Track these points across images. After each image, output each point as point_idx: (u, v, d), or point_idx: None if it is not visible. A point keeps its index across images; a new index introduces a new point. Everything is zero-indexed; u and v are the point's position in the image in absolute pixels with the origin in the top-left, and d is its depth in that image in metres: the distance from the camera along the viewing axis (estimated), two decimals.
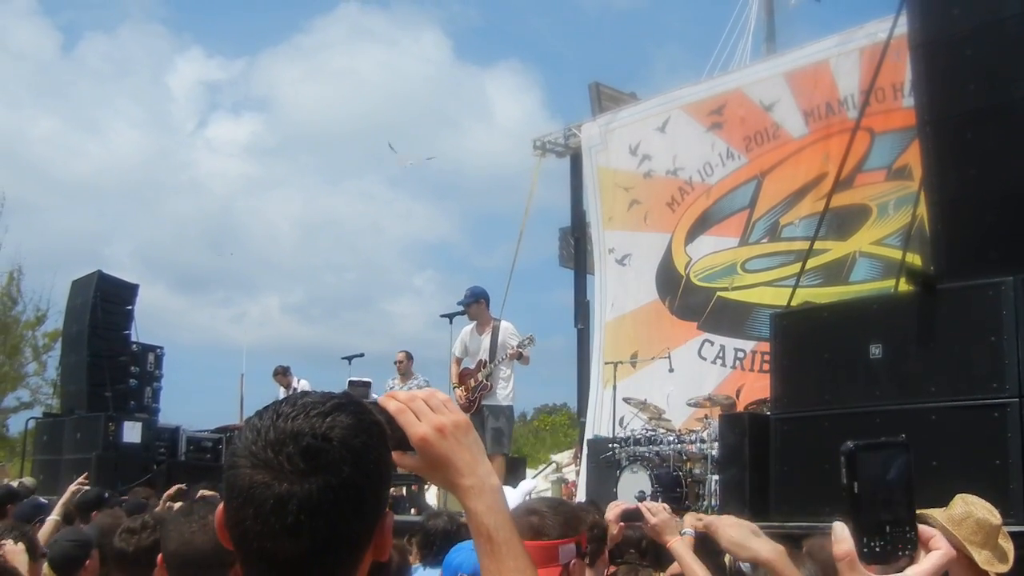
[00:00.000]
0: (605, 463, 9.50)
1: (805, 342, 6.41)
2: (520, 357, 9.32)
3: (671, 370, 11.21)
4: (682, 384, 11.04)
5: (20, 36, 47.18)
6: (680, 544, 3.23)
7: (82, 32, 71.55)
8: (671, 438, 9.05)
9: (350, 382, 11.70)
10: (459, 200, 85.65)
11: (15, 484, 9.54)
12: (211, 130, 68.47)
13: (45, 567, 3.82)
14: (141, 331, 13.87)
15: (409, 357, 11.81)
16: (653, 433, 9.31)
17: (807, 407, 6.21)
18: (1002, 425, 5.19)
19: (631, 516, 3.34)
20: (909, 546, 1.12)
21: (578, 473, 12.80)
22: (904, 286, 6.49)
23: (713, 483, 8.19)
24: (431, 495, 11.52)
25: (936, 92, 5.99)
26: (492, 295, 10.07)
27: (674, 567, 3.46)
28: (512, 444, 10.91)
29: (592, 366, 13.10)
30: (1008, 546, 2.75)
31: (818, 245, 9.62)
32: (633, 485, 8.44)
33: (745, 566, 3.27)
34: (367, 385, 11.75)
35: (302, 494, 1.11)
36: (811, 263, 9.14)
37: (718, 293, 11.96)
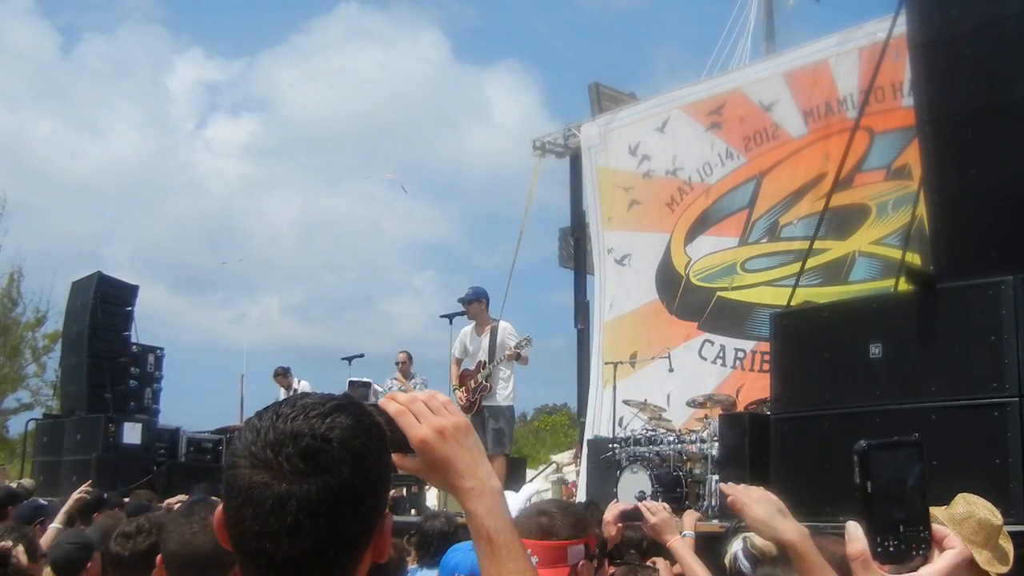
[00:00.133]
0: (605, 463, 9.49)
1: (805, 342, 6.41)
2: (518, 358, 9.33)
3: (671, 370, 11.21)
4: (682, 384, 11.03)
5: (19, 37, 47.25)
6: (680, 544, 3.24)
7: (81, 33, 71.70)
8: (671, 438, 9.05)
9: (350, 382, 11.72)
10: (459, 200, 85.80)
11: (14, 486, 9.54)
12: (210, 131, 68.54)
13: (47, 570, 3.83)
14: (141, 332, 13.91)
15: (410, 357, 11.84)
16: (653, 433, 9.30)
17: (807, 407, 6.21)
18: (1002, 425, 5.19)
19: (630, 516, 3.34)
20: (923, 545, 1.11)
21: (578, 473, 12.79)
22: (904, 286, 6.49)
23: (713, 483, 8.18)
24: (431, 496, 11.52)
25: (935, 92, 5.99)
26: (492, 295, 10.10)
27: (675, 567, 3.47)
28: (513, 444, 10.91)
29: (592, 366, 13.10)
30: (1008, 546, 2.75)
31: (818, 245, 9.62)
32: (633, 485, 8.43)
33: (745, 566, 3.27)
34: (367, 386, 11.76)
35: (301, 494, 1.11)
36: (811, 263, 9.13)
37: (718, 293, 11.95)
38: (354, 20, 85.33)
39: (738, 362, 11.44)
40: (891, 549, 1.10)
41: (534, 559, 2.26)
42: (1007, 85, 5.70)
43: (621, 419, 10.59)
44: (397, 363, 11.78)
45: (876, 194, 10.61)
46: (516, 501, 2.36)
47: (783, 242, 11.45)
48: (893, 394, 5.68)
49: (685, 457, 8.86)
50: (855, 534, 1.11)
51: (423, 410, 1.34)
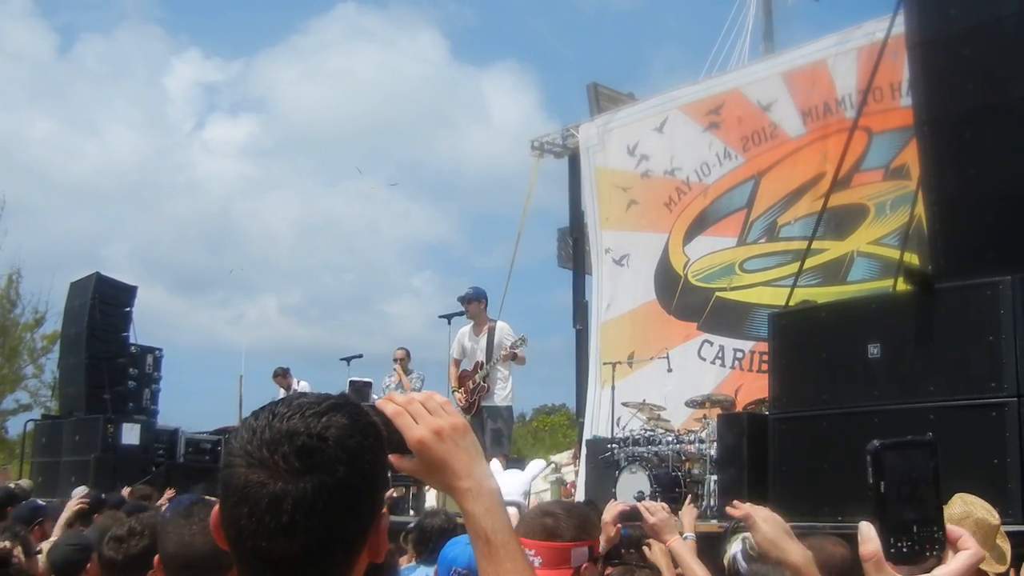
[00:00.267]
0: (604, 463, 9.50)
1: (803, 342, 6.41)
2: (515, 358, 9.33)
3: (669, 370, 11.20)
4: (681, 384, 11.02)
5: (17, 37, 47.14)
6: (680, 544, 3.24)
7: (79, 33, 71.51)
8: (670, 438, 9.05)
9: (351, 382, 11.72)
10: (457, 201, 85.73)
11: (12, 486, 9.53)
12: (208, 131, 68.39)
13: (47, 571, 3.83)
14: (139, 333, 13.89)
15: (408, 354, 11.86)
16: (652, 433, 9.30)
17: (805, 407, 6.22)
18: (1000, 424, 5.19)
19: (629, 516, 3.34)
20: (937, 546, 1.10)
21: (577, 474, 12.80)
22: (902, 286, 6.50)
23: (712, 483, 8.19)
24: (431, 497, 11.51)
25: (934, 92, 5.99)
26: (491, 295, 10.12)
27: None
28: (511, 445, 10.91)
29: (590, 367, 13.10)
30: (1005, 546, 2.76)
31: (816, 245, 9.62)
32: (632, 485, 8.43)
33: (744, 567, 3.27)
34: (368, 385, 11.77)
35: (297, 493, 1.11)
36: (809, 263, 9.13)
37: (716, 293, 11.95)
38: (352, 20, 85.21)
39: (737, 362, 11.44)
40: (904, 550, 1.09)
41: (537, 560, 2.27)
42: (1005, 85, 5.70)
43: (619, 419, 10.58)
44: (395, 359, 11.79)
45: (874, 194, 10.62)
46: (523, 479, 2.36)
47: (781, 242, 11.46)
48: (891, 394, 5.68)
49: (684, 457, 8.86)
50: (868, 534, 1.10)
51: (420, 411, 1.34)
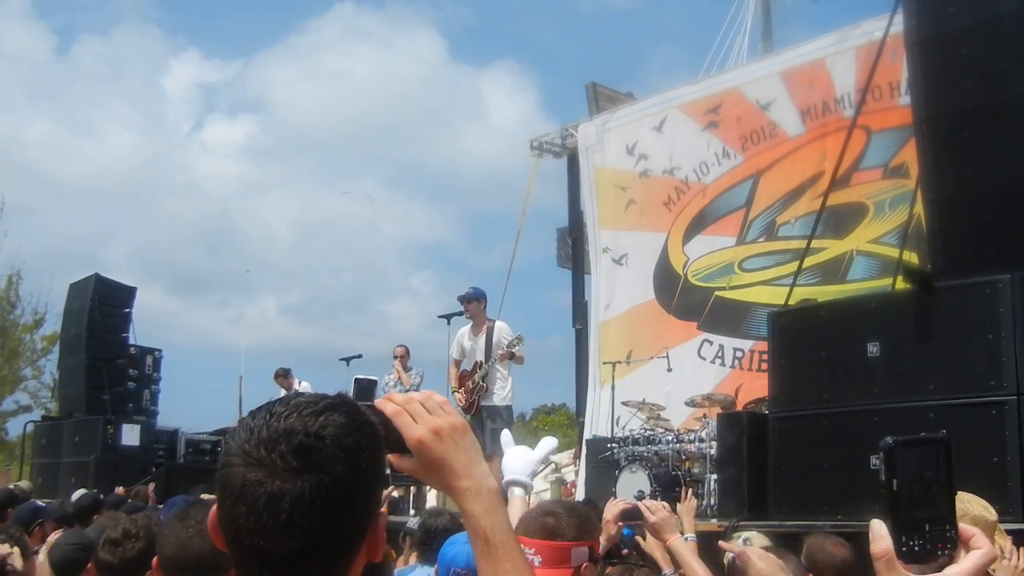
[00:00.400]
0: (604, 463, 9.49)
1: (803, 341, 6.41)
2: (512, 357, 9.33)
3: (669, 369, 11.20)
4: (681, 384, 11.03)
5: (14, 38, 47.03)
6: (680, 543, 3.24)
7: (76, 34, 71.44)
8: (670, 437, 9.05)
9: (356, 379, 11.74)
10: (456, 201, 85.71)
11: (12, 488, 9.53)
12: (207, 132, 68.16)
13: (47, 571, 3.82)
14: (139, 334, 13.91)
15: (407, 351, 11.87)
16: (652, 433, 9.30)
17: (805, 406, 6.21)
18: (1000, 423, 5.19)
19: (630, 515, 3.35)
20: (949, 545, 1.09)
21: (577, 473, 12.79)
22: (901, 284, 6.50)
23: (712, 482, 8.19)
24: (431, 497, 11.51)
25: (932, 90, 5.99)
26: (490, 295, 10.12)
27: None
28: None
29: (590, 366, 13.10)
30: (1005, 543, 2.75)
31: (815, 244, 9.63)
32: (632, 485, 8.43)
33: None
34: (373, 383, 11.77)
35: (295, 492, 1.11)
36: (808, 262, 9.13)
37: (716, 293, 11.95)
38: (350, 20, 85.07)
39: (737, 361, 11.44)
40: (916, 548, 1.08)
41: (538, 559, 2.27)
42: (1004, 83, 5.70)
43: (619, 419, 10.58)
44: (395, 357, 11.80)
45: (873, 193, 10.62)
46: (534, 457, 2.35)
47: (781, 241, 11.46)
48: (891, 393, 5.68)
49: (684, 456, 8.86)
50: (880, 532, 1.09)
51: (419, 410, 1.34)
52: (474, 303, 9.63)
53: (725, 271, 11.96)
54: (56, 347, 18.32)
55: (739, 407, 9.24)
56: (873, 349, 5.79)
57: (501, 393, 9.43)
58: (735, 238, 11.97)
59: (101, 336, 13.01)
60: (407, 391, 2.50)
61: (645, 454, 9.00)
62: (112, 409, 12.48)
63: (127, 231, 51.78)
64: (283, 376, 13.53)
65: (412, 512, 10.18)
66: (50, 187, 43.97)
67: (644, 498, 6.39)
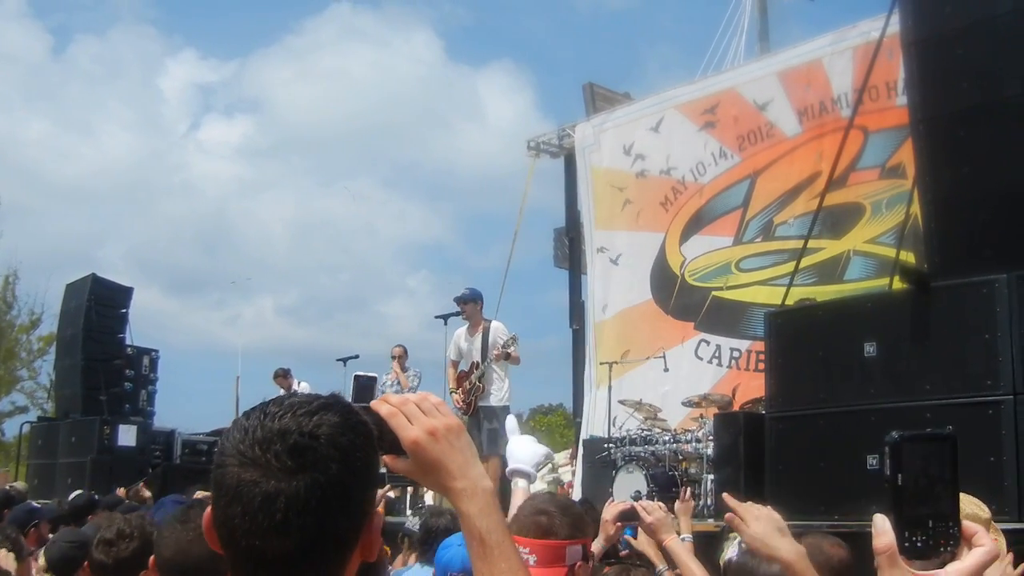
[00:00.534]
0: (601, 463, 9.50)
1: (800, 341, 6.41)
2: (508, 357, 9.33)
3: (666, 370, 11.21)
4: (678, 384, 11.04)
5: (10, 38, 46.95)
6: (677, 543, 3.23)
7: (72, 34, 71.18)
8: (667, 438, 9.06)
9: (356, 376, 11.73)
10: (453, 201, 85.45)
11: (7, 488, 9.52)
12: (203, 132, 67.95)
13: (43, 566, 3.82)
14: (135, 334, 13.89)
15: (405, 351, 11.89)
16: (648, 433, 9.32)
17: (802, 406, 6.22)
18: (996, 423, 5.19)
19: (628, 516, 3.34)
20: (951, 542, 1.08)
21: (574, 473, 12.80)
22: (898, 284, 6.50)
23: (709, 482, 8.19)
24: (429, 498, 11.51)
25: (929, 90, 6.00)
26: (487, 296, 10.13)
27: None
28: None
29: (586, 367, 13.11)
30: (1000, 541, 2.75)
31: (812, 244, 9.63)
32: (629, 485, 8.44)
33: (732, 556, 3.26)
34: (373, 380, 11.77)
35: (290, 491, 1.11)
36: (805, 262, 9.15)
37: (713, 293, 11.97)
38: (346, 20, 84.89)
39: (734, 362, 11.46)
40: (919, 544, 1.08)
41: (532, 558, 2.26)
42: (1000, 83, 5.70)
43: (616, 419, 10.59)
44: (393, 357, 11.80)
45: (870, 193, 10.63)
46: (537, 450, 2.35)
47: (777, 241, 11.47)
48: (888, 392, 5.68)
49: (681, 457, 8.87)
50: (883, 527, 1.09)
51: (415, 411, 1.35)
52: (470, 304, 9.63)
53: (722, 271, 11.97)
54: (52, 348, 18.30)
55: (736, 407, 9.25)
56: (870, 349, 5.79)
57: (498, 394, 9.42)
58: (732, 238, 11.98)
59: (97, 337, 12.99)
60: (405, 392, 2.50)
61: (642, 454, 9.01)
62: (108, 410, 12.45)
63: (124, 231, 51.66)
64: (282, 376, 13.52)
65: (409, 512, 10.18)
66: (46, 187, 43.92)
67: (640, 498, 6.40)
